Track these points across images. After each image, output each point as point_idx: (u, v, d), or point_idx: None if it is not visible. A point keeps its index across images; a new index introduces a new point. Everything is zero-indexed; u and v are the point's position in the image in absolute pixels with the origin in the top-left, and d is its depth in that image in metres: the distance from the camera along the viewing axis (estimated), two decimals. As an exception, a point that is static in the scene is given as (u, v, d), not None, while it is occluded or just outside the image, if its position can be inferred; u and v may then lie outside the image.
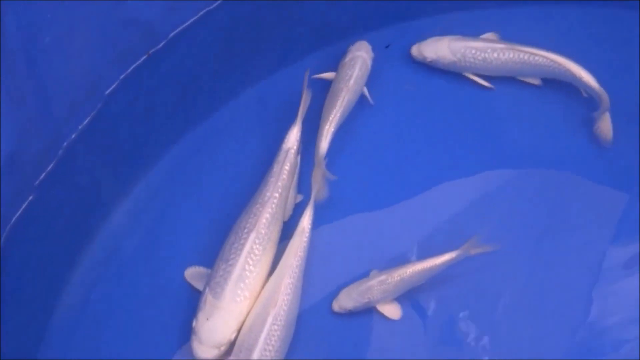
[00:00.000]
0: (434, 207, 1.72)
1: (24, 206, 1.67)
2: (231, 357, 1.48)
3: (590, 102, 1.79)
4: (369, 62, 1.78)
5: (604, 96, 1.74)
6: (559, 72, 1.78)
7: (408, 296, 1.60)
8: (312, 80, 1.76)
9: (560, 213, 1.71)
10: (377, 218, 1.71)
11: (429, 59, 1.82)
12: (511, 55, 1.78)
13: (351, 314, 1.59)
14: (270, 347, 1.46)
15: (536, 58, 1.77)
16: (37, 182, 1.69)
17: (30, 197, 1.68)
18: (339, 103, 1.69)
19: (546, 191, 1.73)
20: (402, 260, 1.64)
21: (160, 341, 1.61)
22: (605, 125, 1.76)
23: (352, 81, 1.72)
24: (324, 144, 1.66)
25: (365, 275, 1.61)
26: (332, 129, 1.67)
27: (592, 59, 1.79)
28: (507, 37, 1.84)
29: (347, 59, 1.76)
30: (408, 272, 1.56)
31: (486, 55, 1.79)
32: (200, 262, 1.65)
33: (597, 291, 1.62)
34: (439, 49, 1.81)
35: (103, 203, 1.74)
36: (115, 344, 1.61)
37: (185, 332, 1.57)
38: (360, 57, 1.76)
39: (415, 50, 1.84)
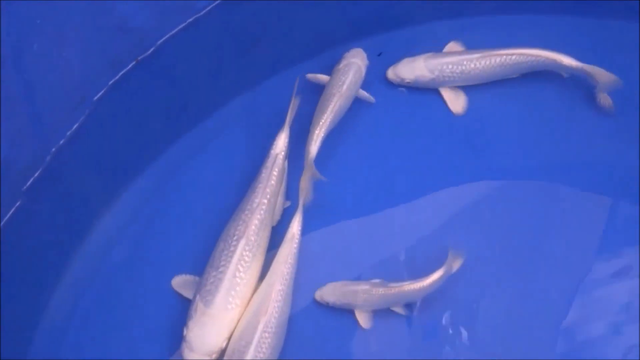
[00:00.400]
0: (422, 214, 1.72)
1: (11, 211, 1.67)
2: None
3: (571, 99, 1.83)
4: (363, 70, 1.78)
5: (591, 69, 1.76)
6: (537, 64, 1.79)
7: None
8: (303, 85, 1.77)
9: (544, 220, 1.71)
10: (365, 224, 1.71)
11: (407, 80, 1.82)
12: (488, 62, 1.79)
13: (337, 315, 1.60)
14: (262, 355, 1.45)
15: (512, 58, 1.78)
16: (25, 188, 1.69)
17: (18, 203, 1.68)
18: (330, 108, 1.69)
19: (530, 198, 1.73)
20: (390, 266, 1.65)
21: (148, 348, 1.60)
22: (604, 96, 1.78)
23: (344, 87, 1.73)
24: (313, 148, 1.66)
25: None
26: (322, 134, 1.67)
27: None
28: (502, 44, 1.83)
29: (342, 65, 1.77)
30: (393, 291, 1.56)
31: (463, 67, 1.79)
32: (188, 268, 1.64)
33: (580, 298, 1.62)
34: (416, 69, 1.81)
35: (91, 209, 1.74)
36: (103, 350, 1.61)
37: (173, 338, 1.58)
38: (354, 64, 1.77)
39: (391, 74, 1.83)
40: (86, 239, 1.70)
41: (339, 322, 1.60)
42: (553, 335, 1.59)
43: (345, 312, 1.60)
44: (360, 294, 1.57)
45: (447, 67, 1.79)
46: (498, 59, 1.79)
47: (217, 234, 1.62)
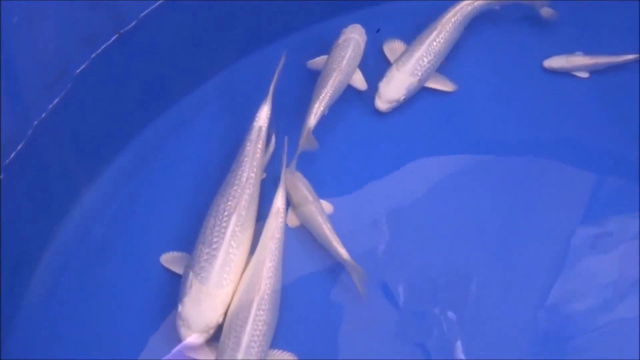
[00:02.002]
0: (406, 190, 1.73)
1: (-7, 185, 1.65)
2: (219, 344, 1.47)
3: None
4: (362, 45, 1.78)
5: None
6: (477, 11, 1.84)
7: (378, 277, 1.62)
8: (286, 62, 1.74)
9: (529, 195, 1.72)
10: (350, 196, 1.72)
11: (402, 98, 1.77)
12: (446, 32, 1.79)
13: (327, 289, 1.61)
14: (258, 332, 1.46)
15: (458, 16, 1.81)
16: (6, 162, 1.67)
17: (0, 177, 1.66)
18: (330, 83, 1.70)
19: (514, 173, 1.74)
20: (372, 240, 1.67)
21: (130, 323, 1.60)
22: (545, 10, 1.87)
23: (344, 62, 1.73)
24: (312, 120, 1.67)
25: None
26: (322, 108, 1.68)
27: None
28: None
29: (340, 40, 1.77)
30: (320, 229, 1.60)
31: (434, 49, 1.78)
32: (172, 243, 1.64)
33: (566, 272, 1.64)
34: (401, 82, 1.76)
35: (73, 184, 1.72)
36: (86, 327, 1.60)
37: (156, 314, 1.58)
38: (353, 39, 1.77)
39: (382, 104, 1.77)
40: (69, 214, 1.69)
41: (328, 296, 1.61)
42: (539, 310, 1.61)
43: (335, 287, 1.61)
44: (303, 202, 1.62)
45: (423, 61, 1.77)
46: (451, 24, 1.80)
47: (200, 209, 1.63)
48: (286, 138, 1.68)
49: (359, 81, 1.80)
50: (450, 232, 1.68)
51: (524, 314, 1.60)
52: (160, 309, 1.59)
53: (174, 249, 1.63)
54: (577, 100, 1.83)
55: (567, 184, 1.73)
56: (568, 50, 1.86)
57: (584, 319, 1.60)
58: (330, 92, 1.70)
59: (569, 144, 1.79)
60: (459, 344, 1.57)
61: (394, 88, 1.77)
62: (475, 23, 1.88)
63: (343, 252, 1.57)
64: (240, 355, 1.43)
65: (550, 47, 1.89)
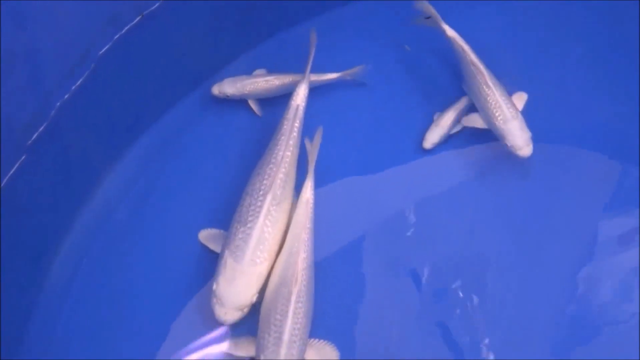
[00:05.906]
0: (430, 172, 1.72)
1: (16, 166, 1.66)
2: (258, 340, 1.47)
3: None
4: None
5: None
6: None
7: (405, 263, 1.62)
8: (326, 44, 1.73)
9: (551, 186, 1.71)
10: (373, 181, 1.71)
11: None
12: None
13: (353, 277, 1.62)
14: (298, 325, 1.45)
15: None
16: (29, 142, 1.68)
17: (23, 157, 1.67)
18: None
19: (539, 165, 1.72)
20: (394, 225, 1.66)
21: (152, 309, 1.60)
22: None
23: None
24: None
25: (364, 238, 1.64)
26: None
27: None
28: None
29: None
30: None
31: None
32: (193, 227, 1.63)
33: (588, 261, 1.63)
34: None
35: (95, 166, 1.73)
36: (107, 312, 1.61)
37: (178, 300, 1.59)
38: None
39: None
40: (90, 196, 1.69)
41: (354, 284, 1.62)
42: (561, 297, 1.60)
43: (361, 274, 1.61)
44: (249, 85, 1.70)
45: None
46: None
47: (222, 193, 1.64)
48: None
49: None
50: (474, 220, 1.67)
51: (546, 299, 1.59)
52: (180, 295, 1.60)
53: (194, 234, 1.63)
54: (600, 90, 1.81)
55: (593, 173, 1.72)
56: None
57: (607, 307, 1.59)
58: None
59: (594, 134, 1.76)
60: (481, 329, 1.57)
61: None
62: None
63: None
64: (283, 350, 1.43)
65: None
